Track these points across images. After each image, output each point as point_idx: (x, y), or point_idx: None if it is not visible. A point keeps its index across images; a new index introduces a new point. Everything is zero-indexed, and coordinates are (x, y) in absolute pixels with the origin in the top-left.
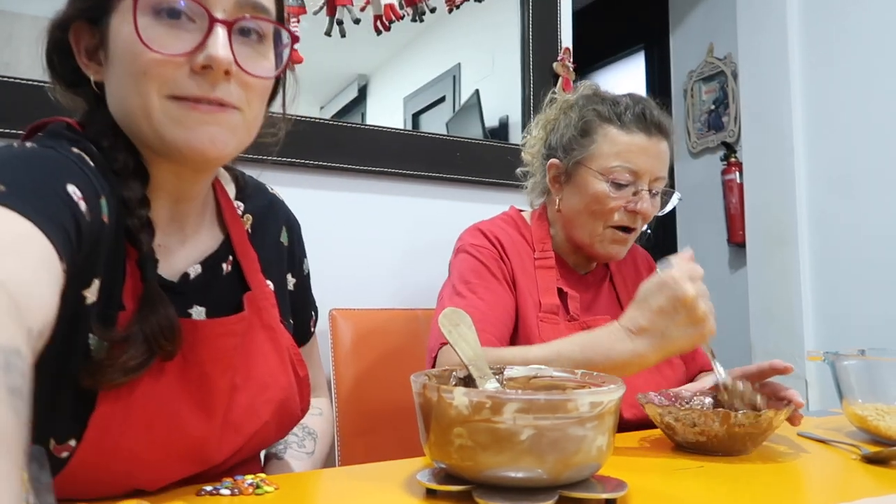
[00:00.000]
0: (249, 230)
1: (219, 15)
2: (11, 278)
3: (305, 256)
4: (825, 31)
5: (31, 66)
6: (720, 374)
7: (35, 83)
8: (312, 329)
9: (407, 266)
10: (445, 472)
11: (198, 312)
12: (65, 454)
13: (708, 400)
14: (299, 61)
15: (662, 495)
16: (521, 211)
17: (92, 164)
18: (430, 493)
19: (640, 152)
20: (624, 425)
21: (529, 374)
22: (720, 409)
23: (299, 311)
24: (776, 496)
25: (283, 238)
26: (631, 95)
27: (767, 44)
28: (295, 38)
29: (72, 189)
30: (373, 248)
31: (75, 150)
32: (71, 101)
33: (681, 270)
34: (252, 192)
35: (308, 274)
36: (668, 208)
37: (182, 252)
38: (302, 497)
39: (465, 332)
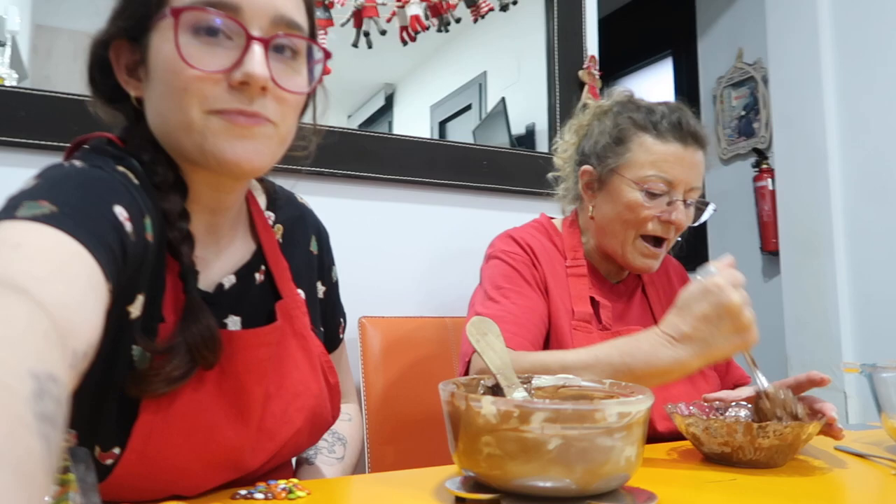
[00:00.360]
0: (280, 240)
1: (255, 32)
2: (58, 301)
3: (334, 264)
4: (857, 33)
5: (70, 79)
6: (762, 382)
7: (74, 97)
8: (341, 336)
9: (435, 274)
10: (474, 480)
11: (233, 322)
12: (109, 461)
13: (744, 413)
14: (327, 72)
15: None
16: (551, 218)
17: (136, 181)
18: (459, 501)
19: (675, 162)
20: (658, 438)
21: (557, 384)
22: (743, 421)
23: (328, 318)
24: None
25: (313, 247)
26: (667, 104)
27: (798, 48)
28: (328, 54)
29: (118, 210)
30: (401, 256)
31: (120, 168)
32: (111, 117)
33: (724, 277)
34: (282, 203)
35: (337, 281)
36: (703, 220)
37: (217, 263)
38: (333, 502)
39: (493, 341)
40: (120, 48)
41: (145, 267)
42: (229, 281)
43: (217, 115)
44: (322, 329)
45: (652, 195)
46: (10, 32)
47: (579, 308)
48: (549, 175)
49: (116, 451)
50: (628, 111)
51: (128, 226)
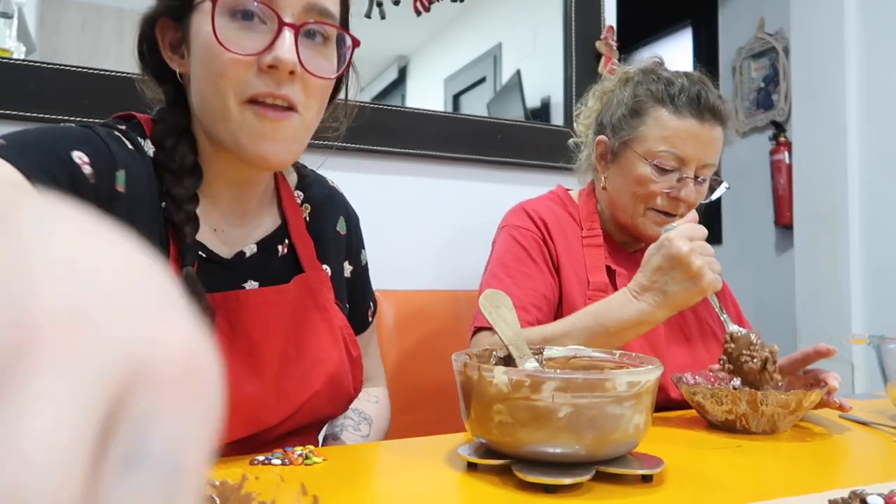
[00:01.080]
0: (307, 218)
1: (287, 18)
2: None
3: (363, 248)
4: (882, 4)
5: (79, 52)
6: (727, 324)
7: (84, 70)
8: (370, 319)
9: (448, 248)
10: (486, 447)
11: (251, 286)
12: None
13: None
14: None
15: (698, 473)
16: (568, 190)
17: (130, 146)
18: (471, 466)
19: (689, 138)
20: (672, 405)
21: (569, 355)
22: (746, 389)
23: (357, 298)
24: (814, 476)
25: (341, 227)
26: (688, 75)
27: (822, 18)
28: (356, 43)
29: (77, 154)
30: (414, 230)
31: (116, 131)
32: (154, 94)
33: (678, 231)
34: (312, 183)
35: (366, 265)
36: (714, 197)
37: (240, 234)
38: (348, 468)
39: (505, 313)
40: (165, 26)
41: (117, 213)
42: (250, 250)
43: (251, 108)
44: (347, 305)
45: (662, 171)
46: (16, 4)
47: (595, 278)
48: (570, 141)
49: None
50: (648, 82)
51: (86, 169)
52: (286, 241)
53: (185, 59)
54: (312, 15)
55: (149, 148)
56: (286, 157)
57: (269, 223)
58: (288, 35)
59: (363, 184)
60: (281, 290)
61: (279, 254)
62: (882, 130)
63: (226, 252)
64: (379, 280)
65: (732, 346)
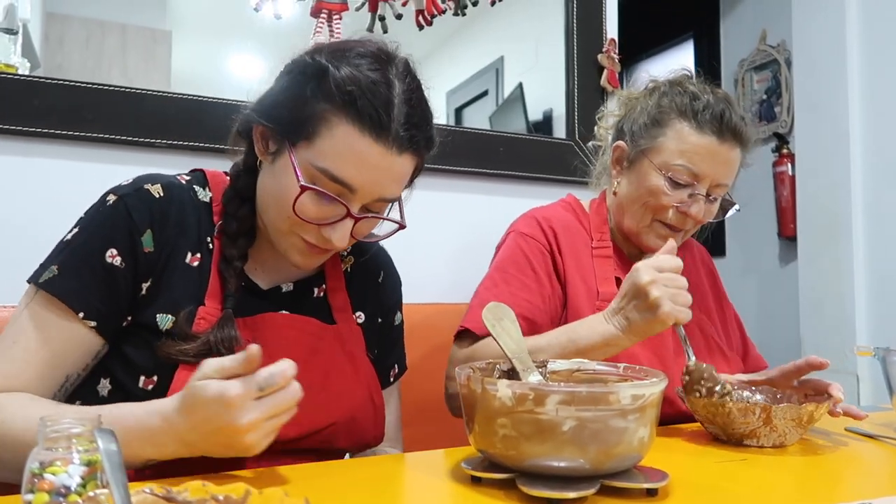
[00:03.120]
0: (349, 269)
1: (355, 208)
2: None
3: (400, 310)
4: (885, 15)
5: (83, 68)
6: (689, 356)
7: (88, 85)
8: (391, 379)
9: (450, 261)
10: (489, 460)
11: (282, 314)
12: (150, 386)
13: (759, 396)
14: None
15: (703, 486)
16: (579, 200)
17: (159, 194)
18: (475, 480)
19: (706, 155)
20: (681, 418)
21: (572, 368)
22: (760, 402)
23: (383, 351)
24: (819, 489)
25: (380, 279)
26: (715, 93)
27: (824, 29)
28: (402, 227)
29: (108, 253)
30: (415, 243)
31: (149, 185)
32: (234, 154)
33: (647, 261)
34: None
35: (400, 325)
36: (723, 217)
37: (279, 274)
38: (352, 482)
39: (508, 325)
40: (261, 126)
41: (146, 273)
42: (287, 287)
43: (299, 236)
44: (375, 351)
45: (675, 184)
46: (21, 21)
47: (604, 288)
48: (590, 143)
49: (155, 378)
50: (674, 94)
51: (116, 261)
52: (322, 285)
53: (267, 154)
54: (380, 203)
55: (205, 195)
56: (314, 266)
57: (307, 270)
58: (349, 224)
59: None
60: (303, 318)
61: (314, 294)
62: (885, 141)
63: (264, 284)
64: None
65: (687, 378)
